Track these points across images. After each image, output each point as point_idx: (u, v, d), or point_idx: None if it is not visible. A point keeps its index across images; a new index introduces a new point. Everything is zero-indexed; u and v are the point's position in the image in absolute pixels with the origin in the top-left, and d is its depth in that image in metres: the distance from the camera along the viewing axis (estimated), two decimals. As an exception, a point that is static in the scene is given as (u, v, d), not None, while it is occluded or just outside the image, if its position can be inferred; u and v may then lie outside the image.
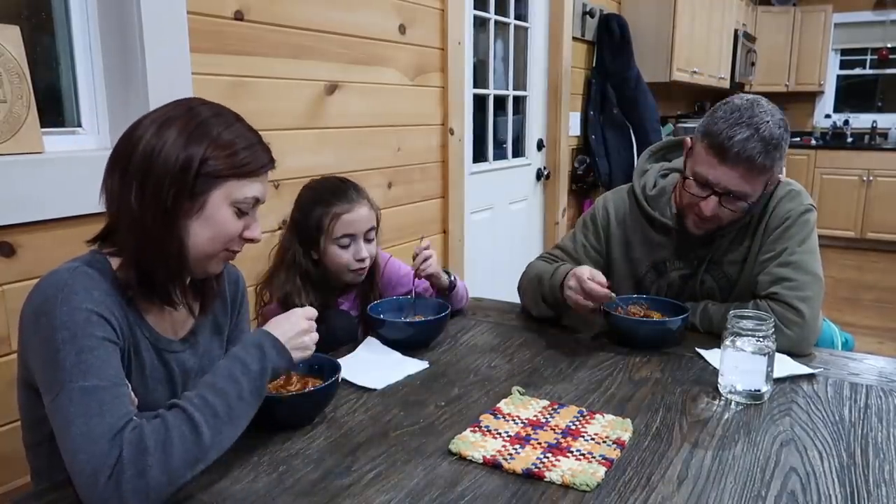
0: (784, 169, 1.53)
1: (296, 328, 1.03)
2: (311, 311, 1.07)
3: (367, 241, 1.53)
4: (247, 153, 1.01)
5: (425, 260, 1.52)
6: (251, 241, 1.07)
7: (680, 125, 5.06)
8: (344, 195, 1.52)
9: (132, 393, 0.94)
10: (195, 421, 0.86)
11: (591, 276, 1.39)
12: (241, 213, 1.04)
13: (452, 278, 1.60)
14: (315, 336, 1.06)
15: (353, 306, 1.59)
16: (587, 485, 0.90)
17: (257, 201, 1.05)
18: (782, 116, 1.39)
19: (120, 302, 0.97)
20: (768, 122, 1.35)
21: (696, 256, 1.55)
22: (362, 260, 1.51)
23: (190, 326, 1.12)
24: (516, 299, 1.74)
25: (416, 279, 1.55)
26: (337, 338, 1.44)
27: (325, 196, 1.52)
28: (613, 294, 1.40)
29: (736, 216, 1.44)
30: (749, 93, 6.24)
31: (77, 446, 0.83)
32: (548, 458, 0.97)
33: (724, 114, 1.38)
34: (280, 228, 1.89)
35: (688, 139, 1.49)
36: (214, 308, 1.17)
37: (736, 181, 1.37)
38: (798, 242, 1.45)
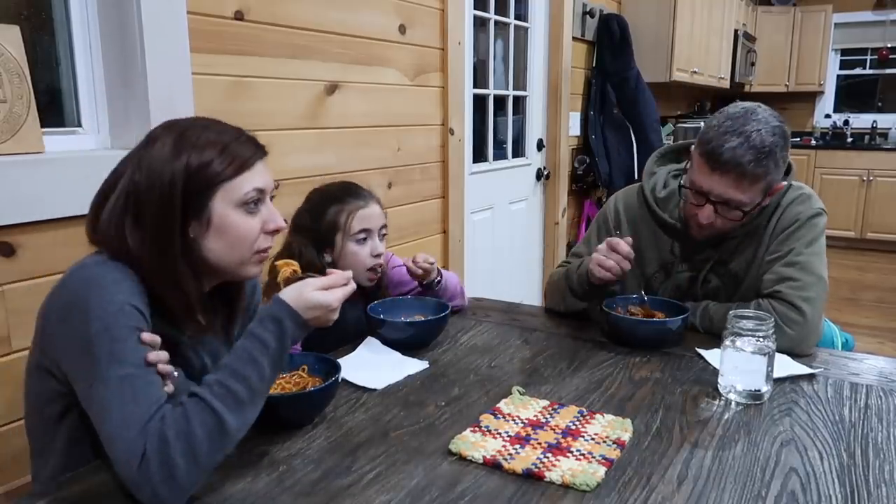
0: (794, 172, 1.52)
1: (325, 306, 0.96)
2: (344, 292, 1.00)
3: (381, 238, 1.55)
4: (229, 150, 1.00)
5: (424, 271, 1.54)
6: (276, 231, 1.06)
7: (680, 125, 5.06)
8: (357, 193, 1.55)
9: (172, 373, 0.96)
10: (216, 409, 0.87)
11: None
12: (251, 211, 1.02)
13: (438, 277, 1.59)
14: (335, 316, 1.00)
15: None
16: (587, 485, 0.90)
17: (262, 192, 1.03)
18: (779, 124, 1.38)
19: (143, 292, 0.97)
20: (760, 130, 1.34)
21: (704, 258, 1.55)
22: (379, 255, 1.52)
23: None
24: (516, 299, 1.74)
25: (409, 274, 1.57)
26: (349, 331, 1.45)
27: (339, 195, 1.54)
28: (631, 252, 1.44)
29: (735, 224, 1.45)
30: (748, 94, 6.11)
31: (114, 434, 0.86)
32: (548, 458, 0.97)
33: (717, 122, 1.39)
34: (280, 228, 1.89)
35: (692, 147, 1.50)
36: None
37: (728, 189, 1.37)
38: (805, 244, 1.45)
